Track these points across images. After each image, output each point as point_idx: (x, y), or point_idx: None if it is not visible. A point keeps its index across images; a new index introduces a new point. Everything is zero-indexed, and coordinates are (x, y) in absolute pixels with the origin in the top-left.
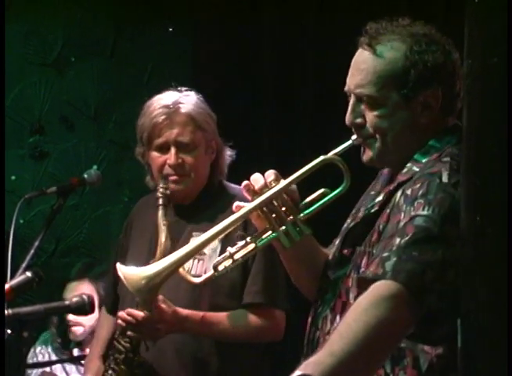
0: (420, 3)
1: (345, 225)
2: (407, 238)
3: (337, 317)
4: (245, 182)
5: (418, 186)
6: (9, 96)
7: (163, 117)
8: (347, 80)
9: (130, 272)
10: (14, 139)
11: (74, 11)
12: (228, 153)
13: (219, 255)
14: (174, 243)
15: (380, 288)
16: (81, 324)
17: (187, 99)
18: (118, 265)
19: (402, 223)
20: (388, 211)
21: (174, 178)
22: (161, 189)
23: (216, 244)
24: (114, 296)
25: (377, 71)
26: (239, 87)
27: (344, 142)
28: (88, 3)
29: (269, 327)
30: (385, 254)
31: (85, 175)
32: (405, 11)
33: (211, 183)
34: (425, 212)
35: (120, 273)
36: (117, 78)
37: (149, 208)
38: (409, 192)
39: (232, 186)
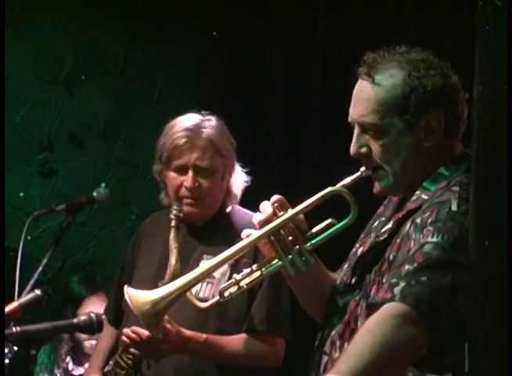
0: (429, 32)
1: (354, 249)
2: (416, 264)
3: (345, 345)
4: (259, 219)
5: (427, 214)
6: (19, 113)
7: (184, 139)
8: (350, 111)
9: (136, 295)
10: (23, 155)
11: (85, 29)
12: (245, 179)
13: (228, 279)
14: (185, 265)
15: (387, 309)
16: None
17: (209, 124)
18: (125, 288)
19: (411, 251)
20: (398, 240)
21: (189, 201)
22: (175, 211)
23: (226, 268)
24: (117, 308)
25: (378, 99)
26: (247, 109)
27: (352, 173)
28: (99, 22)
29: (269, 353)
30: (394, 280)
31: (94, 193)
32: (414, 37)
33: (225, 207)
34: (434, 239)
35: (126, 296)
36: (126, 97)
37: (160, 225)
38: (418, 220)
39: (245, 211)
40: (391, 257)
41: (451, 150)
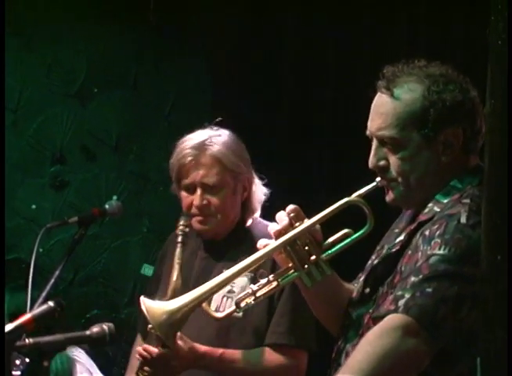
0: (441, 47)
1: (370, 261)
2: (422, 276)
3: None
4: (275, 229)
5: (436, 226)
6: (32, 126)
7: (190, 158)
8: (368, 124)
9: (152, 306)
10: (35, 168)
11: (97, 42)
12: (264, 191)
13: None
14: (204, 281)
15: (389, 321)
16: None
17: (216, 140)
18: (142, 299)
19: (418, 263)
20: (410, 252)
21: (199, 218)
22: (181, 227)
23: (245, 281)
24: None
25: (397, 113)
26: (259, 120)
27: (367, 183)
28: (111, 35)
29: (290, 367)
30: (399, 293)
31: (106, 206)
32: (424, 51)
33: (244, 221)
34: (441, 251)
35: (142, 307)
36: (138, 110)
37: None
38: (427, 233)
39: (265, 223)
40: (402, 268)
41: (466, 163)
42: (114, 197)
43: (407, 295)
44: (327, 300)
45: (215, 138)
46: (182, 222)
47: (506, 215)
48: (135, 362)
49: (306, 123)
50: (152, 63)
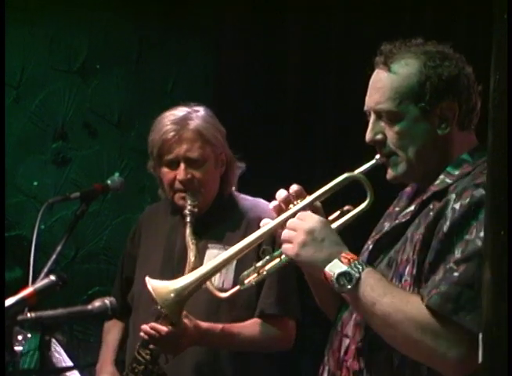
0: (445, 23)
1: (365, 246)
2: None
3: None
4: (274, 204)
5: (467, 200)
6: (34, 102)
7: (172, 133)
8: (366, 100)
9: (159, 286)
10: (37, 144)
11: (100, 19)
12: (239, 165)
13: (235, 268)
14: (171, 259)
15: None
16: None
17: (195, 115)
18: (147, 279)
19: (456, 248)
20: (428, 220)
21: (182, 194)
22: (189, 207)
23: (216, 253)
24: (122, 302)
25: (394, 87)
26: (261, 98)
27: (367, 162)
28: (114, 11)
29: (281, 336)
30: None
31: (109, 181)
32: (430, 28)
33: (222, 195)
34: (480, 234)
35: (149, 287)
36: (140, 86)
37: (160, 217)
38: (457, 206)
39: (243, 196)
40: (416, 236)
41: (468, 140)
42: (116, 174)
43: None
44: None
45: (194, 113)
46: (189, 202)
47: (510, 190)
48: (112, 337)
49: (308, 101)
50: (155, 40)
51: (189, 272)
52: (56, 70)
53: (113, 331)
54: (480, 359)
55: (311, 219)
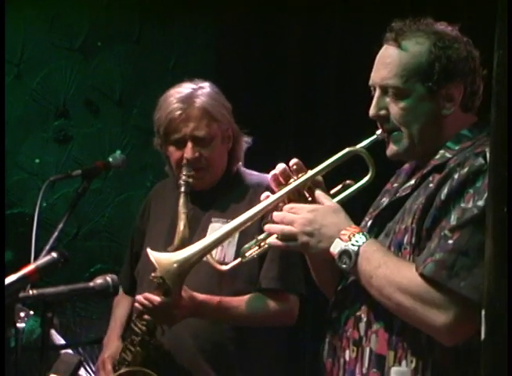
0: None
1: (363, 223)
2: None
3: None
4: (272, 173)
5: (466, 169)
6: (35, 80)
7: (178, 112)
8: (372, 74)
9: (162, 257)
10: (39, 122)
11: None
12: (245, 140)
13: (237, 242)
14: (192, 231)
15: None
16: None
17: (201, 92)
18: (149, 251)
19: (451, 215)
20: (429, 191)
21: (192, 173)
22: (184, 177)
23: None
24: (131, 277)
25: (403, 64)
26: (262, 75)
27: (368, 137)
28: None
29: (284, 311)
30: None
31: (110, 159)
32: (431, 9)
33: (229, 171)
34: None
35: (151, 258)
36: (142, 64)
37: (167, 193)
38: (456, 176)
39: (249, 172)
40: (415, 206)
41: (469, 122)
42: (118, 151)
43: (441, 254)
44: (332, 268)
45: (200, 90)
46: (184, 172)
47: None
48: (120, 312)
49: (310, 76)
50: (156, 17)
51: (178, 240)
52: (58, 48)
53: (121, 306)
54: (483, 336)
55: (303, 211)
